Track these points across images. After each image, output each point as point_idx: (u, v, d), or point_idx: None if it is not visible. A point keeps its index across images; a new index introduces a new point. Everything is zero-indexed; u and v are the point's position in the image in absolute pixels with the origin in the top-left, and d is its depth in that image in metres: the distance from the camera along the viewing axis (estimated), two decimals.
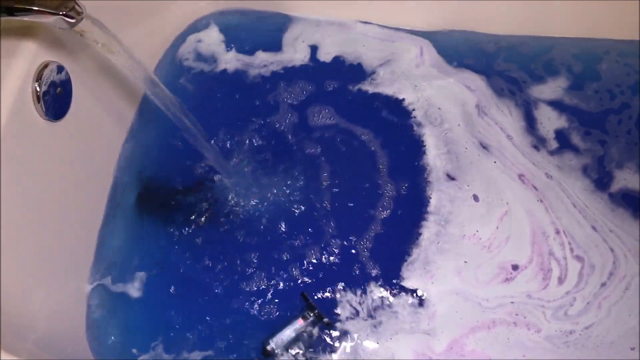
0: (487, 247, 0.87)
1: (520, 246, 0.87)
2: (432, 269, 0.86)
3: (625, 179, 0.89)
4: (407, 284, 0.85)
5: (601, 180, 0.89)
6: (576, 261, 0.84)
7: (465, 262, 0.86)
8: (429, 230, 0.89)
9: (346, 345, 0.82)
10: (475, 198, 0.91)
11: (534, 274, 0.85)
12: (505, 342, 0.81)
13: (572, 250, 0.85)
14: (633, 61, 0.98)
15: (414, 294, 0.84)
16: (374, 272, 0.87)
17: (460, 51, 1.03)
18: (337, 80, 1.03)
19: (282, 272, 0.88)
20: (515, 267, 0.86)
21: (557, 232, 0.87)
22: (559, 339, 0.80)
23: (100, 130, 0.91)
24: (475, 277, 0.85)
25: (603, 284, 0.82)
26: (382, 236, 0.89)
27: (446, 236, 0.88)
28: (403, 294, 0.85)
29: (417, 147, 0.96)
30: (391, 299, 0.85)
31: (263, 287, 0.87)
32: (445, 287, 0.85)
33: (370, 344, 0.82)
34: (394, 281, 0.86)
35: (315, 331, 0.82)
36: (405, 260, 0.87)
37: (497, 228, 0.89)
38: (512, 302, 0.83)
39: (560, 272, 0.84)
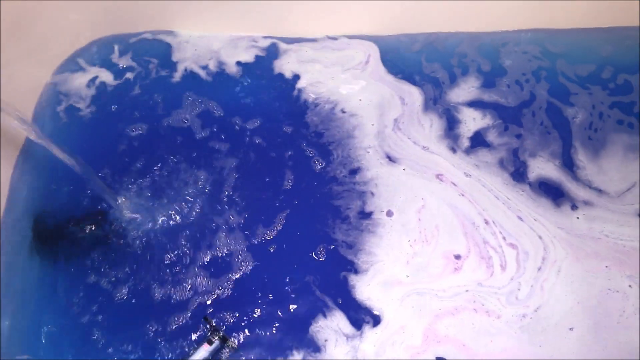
0: (426, 241, 0.85)
1: (453, 235, 0.85)
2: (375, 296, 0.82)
3: (539, 166, 0.91)
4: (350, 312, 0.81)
5: (517, 171, 0.91)
6: (511, 248, 0.84)
7: (407, 276, 0.83)
8: (360, 269, 0.84)
9: None
10: (389, 214, 0.88)
11: (477, 262, 0.83)
12: (472, 328, 0.78)
13: (504, 238, 0.85)
14: (530, 48, 1.04)
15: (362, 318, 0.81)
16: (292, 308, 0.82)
17: (395, 59, 1.05)
18: (228, 92, 1.02)
19: (181, 295, 0.83)
20: (457, 257, 0.84)
21: (487, 222, 0.86)
22: (515, 324, 0.78)
23: None
24: (428, 273, 0.83)
25: (539, 269, 0.82)
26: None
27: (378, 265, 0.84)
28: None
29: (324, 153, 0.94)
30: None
31: (165, 314, 0.81)
32: (396, 297, 0.81)
33: None
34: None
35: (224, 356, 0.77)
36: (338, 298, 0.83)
37: (419, 220, 0.87)
38: (466, 291, 0.81)
39: (500, 260, 0.83)
